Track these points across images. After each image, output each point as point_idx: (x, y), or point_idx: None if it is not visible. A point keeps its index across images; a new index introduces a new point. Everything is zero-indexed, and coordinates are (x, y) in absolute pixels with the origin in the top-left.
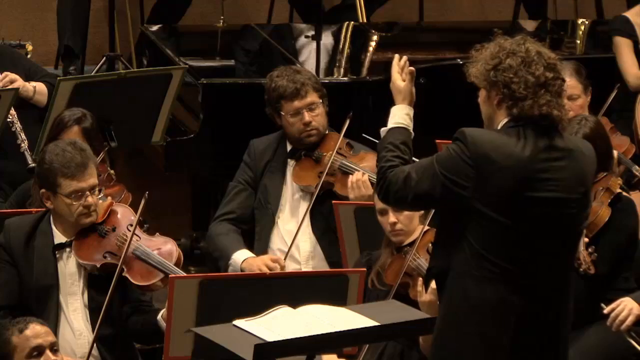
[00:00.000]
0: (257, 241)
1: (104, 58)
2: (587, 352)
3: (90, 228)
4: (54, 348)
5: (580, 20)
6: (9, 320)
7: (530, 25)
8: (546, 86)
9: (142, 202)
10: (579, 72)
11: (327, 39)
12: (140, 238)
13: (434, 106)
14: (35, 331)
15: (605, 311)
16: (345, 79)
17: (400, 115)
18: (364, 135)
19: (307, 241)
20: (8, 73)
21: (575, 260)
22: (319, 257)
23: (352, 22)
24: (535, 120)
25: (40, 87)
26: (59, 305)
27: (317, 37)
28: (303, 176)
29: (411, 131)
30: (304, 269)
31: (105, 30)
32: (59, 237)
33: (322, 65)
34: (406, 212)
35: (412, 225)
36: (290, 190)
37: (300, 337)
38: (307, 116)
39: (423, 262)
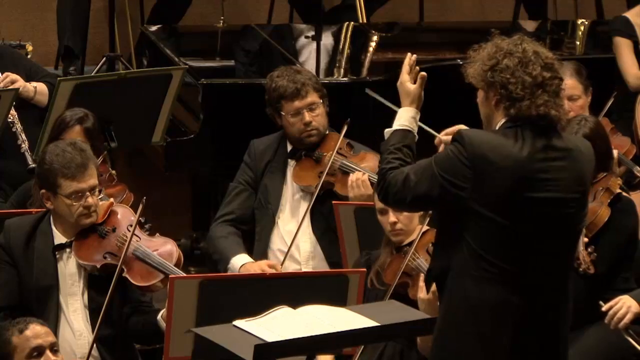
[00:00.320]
0: (257, 241)
1: (104, 58)
2: (587, 352)
3: (91, 228)
4: (54, 348)
5: (580, 21)
6: (9, 321)
7: (530, 25)
8: (543, 86)
9: (140, 207)
10: (580, 73)
11: (327, 39)
12: (140, 239)
13: (434, 106)
14: (36, 331)
15: (604, 309)
16: (345, 79)
17: (406, 118)
18: (367, 90)
19: (307, 241)
20: (9, 73)
21: (575, 260)
22: (319, 257)
23: (352, 23)
24: (533, 120)
25: (41, 87)
26: (59, 306)
27: (317, 38)
28: (303, 176)
29: (415, 134)
30: (304, 269)
31: (105, 30)
32: (59, 238)
33: (322, 65)
34: (406, 212)
35: (412, 225)
36: (290, 191)
37: (301, 338)
38: (307, 116)
39: (422, 261)
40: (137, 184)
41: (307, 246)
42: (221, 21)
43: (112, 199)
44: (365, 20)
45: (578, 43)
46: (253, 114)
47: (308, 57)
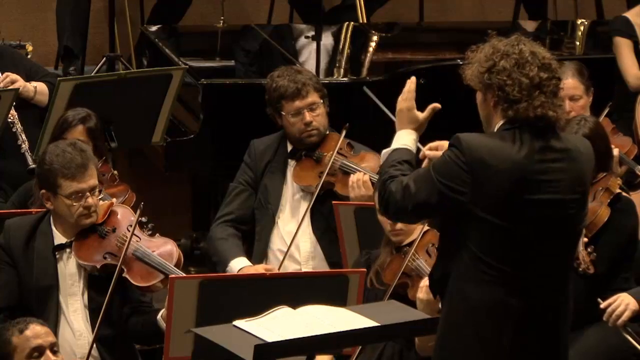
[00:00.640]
0: (257, 241)
1: (104, 58)
2: (587, 352)
3: (91, 229)
4: (54, 348)
5: (580, 21)
6: (9, 321)
7: (530, 25)
8: (541, 87)
9: (138, 212)
10: (581, 73)
11: (327, 39)
12: (140, 239)
13: None
14: (36, 332)
15: (602, 306)
16: (345, 79)
17: (408, 139)
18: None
19: (307, 241)
20: (9, 73)
21: (575, 260)
22: (319, 257)
23: (352, 23)
24: (531, 122)
25: (41, 87)
26: (58, 306)
27: (317, 38)
28: (303, 176)
29: (414, 153)
30: (304, 269)
31: (105, 30)
32: (59, 238)
33: (322, 65)
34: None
35: (411, 225)
36: (290, 191)
37: (301, 338)
38: (308, 116)
39: (422, 262)
40: (137, 184)
41: (307, 246)
42: (221, 21)
43: (114, 199)
44: (365, 20)
45: (578, 43)
46: (253, 114)
47: (308, 57)
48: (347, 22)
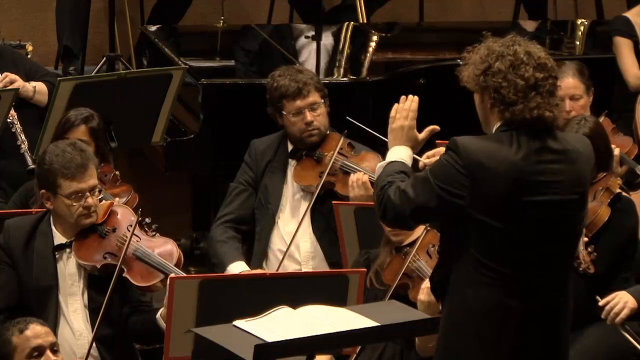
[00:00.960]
0: (257, 241)
1: (104, 58)
2: (587, 352)
3: (90, 229)
4: (54, 348)
5: (580, 21)
6: (9, 321)
7: (530, 25)
8: (536, 87)
9: (135, 220)
10: (582, 73)
11: (327, 39)
12: (140, 239)
13: (434, 107)
14: (36, 331)
15: (600, 303)
16: (345, 79)
17: (403, 154)
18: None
19: (307, 241)
20: (8, 73)
21: (575, 260)
22: (319, 257)
23: (352, 23)
24: (528, 123)
25: (41, 86)
26: (58, 306)
27: (317, 38)
28: (304, 176)
29: (410, 168)
30: (304, 269)
31: (105, 30)
32: (59, 238)
33: (322, 65)
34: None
35: None
36: (290, 190)
37: (301, 338)
38: (308, 116)
39: (423, 263)
40: (137, 184)
41: (307, 246)
42: (221, 21)
43: (116, 199)
44: (365, 20)
45: (578, 43)
46: (253, 114)
47: (308, 57)
48: (347, 22)
